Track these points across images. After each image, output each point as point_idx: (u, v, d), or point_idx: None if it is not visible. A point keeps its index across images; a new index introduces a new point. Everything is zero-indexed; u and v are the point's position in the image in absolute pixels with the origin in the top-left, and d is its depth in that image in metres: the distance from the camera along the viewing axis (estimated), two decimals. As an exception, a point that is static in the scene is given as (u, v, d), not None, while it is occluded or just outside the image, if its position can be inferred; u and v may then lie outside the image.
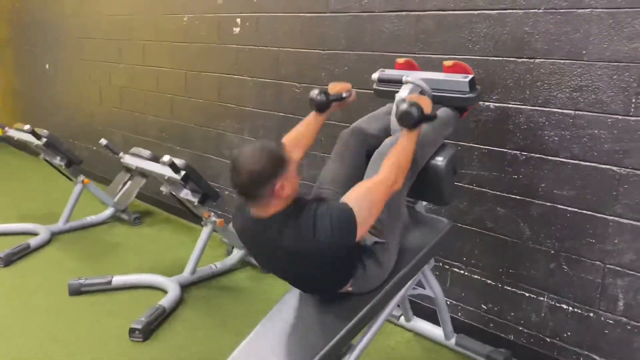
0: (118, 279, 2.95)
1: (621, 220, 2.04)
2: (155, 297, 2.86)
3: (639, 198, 1.98)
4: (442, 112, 2.08)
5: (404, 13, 2.57)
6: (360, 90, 2.78)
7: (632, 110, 1.96)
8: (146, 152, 2.90)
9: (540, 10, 2.13)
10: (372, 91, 2.35)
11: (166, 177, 2.71)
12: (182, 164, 2.61)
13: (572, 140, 2.12)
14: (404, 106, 1.72)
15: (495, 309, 2.45)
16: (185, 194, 2.86)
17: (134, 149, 3.03)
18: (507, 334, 2.42)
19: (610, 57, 1.98)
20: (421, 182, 1.94)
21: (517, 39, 2.21)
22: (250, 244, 1.80)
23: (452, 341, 2.45)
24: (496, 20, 2.26)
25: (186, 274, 3.01)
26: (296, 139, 1.97)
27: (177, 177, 2.58)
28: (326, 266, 1.69)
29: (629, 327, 2.07)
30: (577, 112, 2.09)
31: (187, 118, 3.96)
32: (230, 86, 3.55)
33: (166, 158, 2.53)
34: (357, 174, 1.98)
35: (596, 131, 2.05)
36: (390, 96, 2.21)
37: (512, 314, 2.40)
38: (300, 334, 1.82)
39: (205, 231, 3.05)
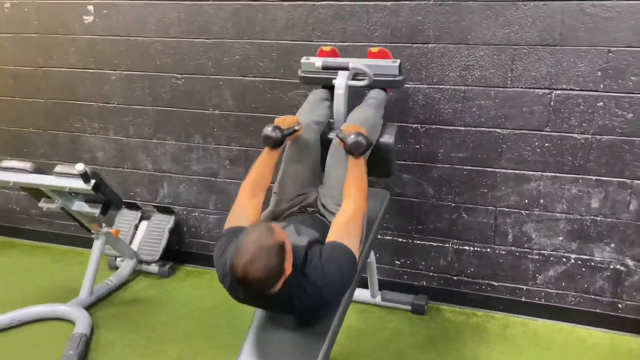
0: (2, 318, 2.46)
1: (506, 171, 2.57)
2: (54, 330, 2.50)
3: (518, 152, 2.53)
4: (378, 93, 2.30)
5: (298, 2, 2.68)
6: (256, 79, 2.84)
7: (509, 82, 2.47)
8: (26, 165, 2.44)
9: (430, 2, 2.49)
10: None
11: (67, 189, 2.35)
12: (90, 171, 2.30)
13: (464, 111, 2.56)
14: (352, 137, 1.84)
15: (408, 262, 2.82)
16: (80, 206, 2.52)
17: (4, 163, 2.51)
18: (420, 281, 2.82)
19: (490, 40, 2.45)
20: (372, 159, 2.13)
21: (411, 27, 2.54)
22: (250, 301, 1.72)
23: (378, 298, 2.75)
24: (391, 10, 2.55)
25: (84, 296, 2.67)
26: (258, 182, 1.90)
27: (88, 187, 2.27)
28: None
29: (517, 254, 2.64)
30: (466, 87, 2.54)
31: (20, 122, 3.38)
32: (84, 82, 3.16)
33: (80, 166, 2.20)
34: (317, 167, 2.11)
35: (482, 102, 2.53)
36: (318, 83, 2.35)
37: (423, 263, 2.80)
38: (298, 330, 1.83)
39: (97, 245, 2.74)
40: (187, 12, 2.88)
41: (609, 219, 2.47)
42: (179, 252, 3.22)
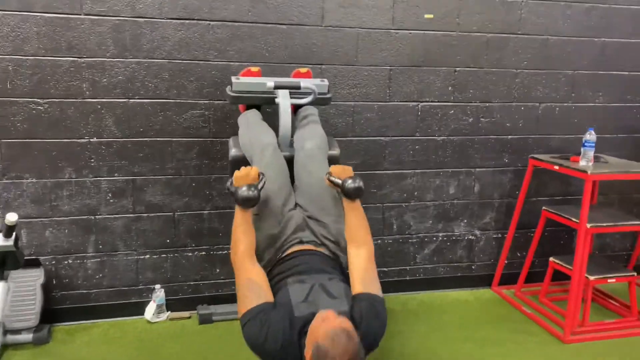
0: None
1: (388, 172, 3.02)
2: None
3: (397, 156, 3.01)
4: (313, 109, 2.44)
5: (191, 21, 2.60)
6: (144, 101, 2.64)
7: (388, 97, 2.93)
8: None
9: (321, 27, 2.76)
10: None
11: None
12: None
13: (354, 124, 2.91)
14: (351, 183, 1.89)
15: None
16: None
17: None
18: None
19: (372, 62, 2.86)
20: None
21: (306, 48, 2.76)
22: None
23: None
24: (287, 33, 2.72)
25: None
26: (251, 247, 1.84)
27: (9, 242, 1.75)
28: None
29: (400, 240, 3.13)
30: (355, 102, 2.89)
31: None
32: None
33: (13, 217, 1.67)
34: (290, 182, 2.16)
35: (368, 115, 2.92)
36: (252, 102, 2.38)
37: (326, 265, 3.04)
38: None
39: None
40: (49, 26, 2.45)
41: (462, 201, 3.17)
42: (48, 311, 2.68)
